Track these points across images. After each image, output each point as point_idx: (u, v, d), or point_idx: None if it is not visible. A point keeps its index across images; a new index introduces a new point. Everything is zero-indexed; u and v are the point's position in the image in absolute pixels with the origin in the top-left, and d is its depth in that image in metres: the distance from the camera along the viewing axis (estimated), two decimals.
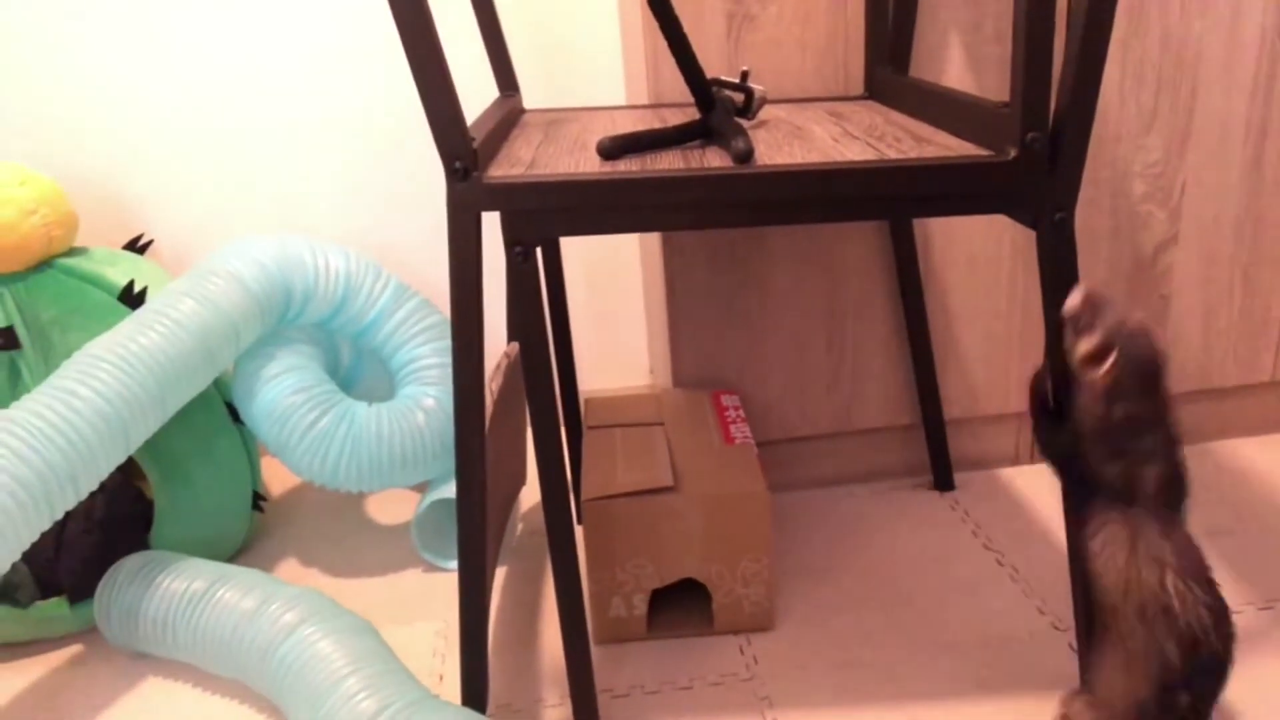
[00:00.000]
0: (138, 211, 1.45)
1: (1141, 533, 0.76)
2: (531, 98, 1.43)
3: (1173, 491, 0.78)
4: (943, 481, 1.37)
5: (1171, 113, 1.27)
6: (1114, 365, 0.76)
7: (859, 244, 1.27)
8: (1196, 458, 1.42)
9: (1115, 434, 0.77)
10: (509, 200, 0.75)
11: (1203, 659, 0.74)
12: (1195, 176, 1.30)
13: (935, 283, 1.31)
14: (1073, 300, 0.79)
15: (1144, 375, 0.77)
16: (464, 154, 0.74)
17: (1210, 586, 0.76)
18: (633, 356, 1.63)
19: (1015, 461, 1.44)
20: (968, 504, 1.34)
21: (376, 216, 1.49)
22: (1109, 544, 0.78)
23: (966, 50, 1.20)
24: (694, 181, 0.75)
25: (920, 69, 1.19)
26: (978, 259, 1.31)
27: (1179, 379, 1.40)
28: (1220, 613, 0.76)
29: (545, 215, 0.76)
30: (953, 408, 1.37)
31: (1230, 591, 1.11)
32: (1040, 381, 0.85)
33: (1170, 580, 0.75)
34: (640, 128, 0.97)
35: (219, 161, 1.45)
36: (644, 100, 1.20)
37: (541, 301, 0.79)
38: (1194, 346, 1.39)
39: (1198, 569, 0.76)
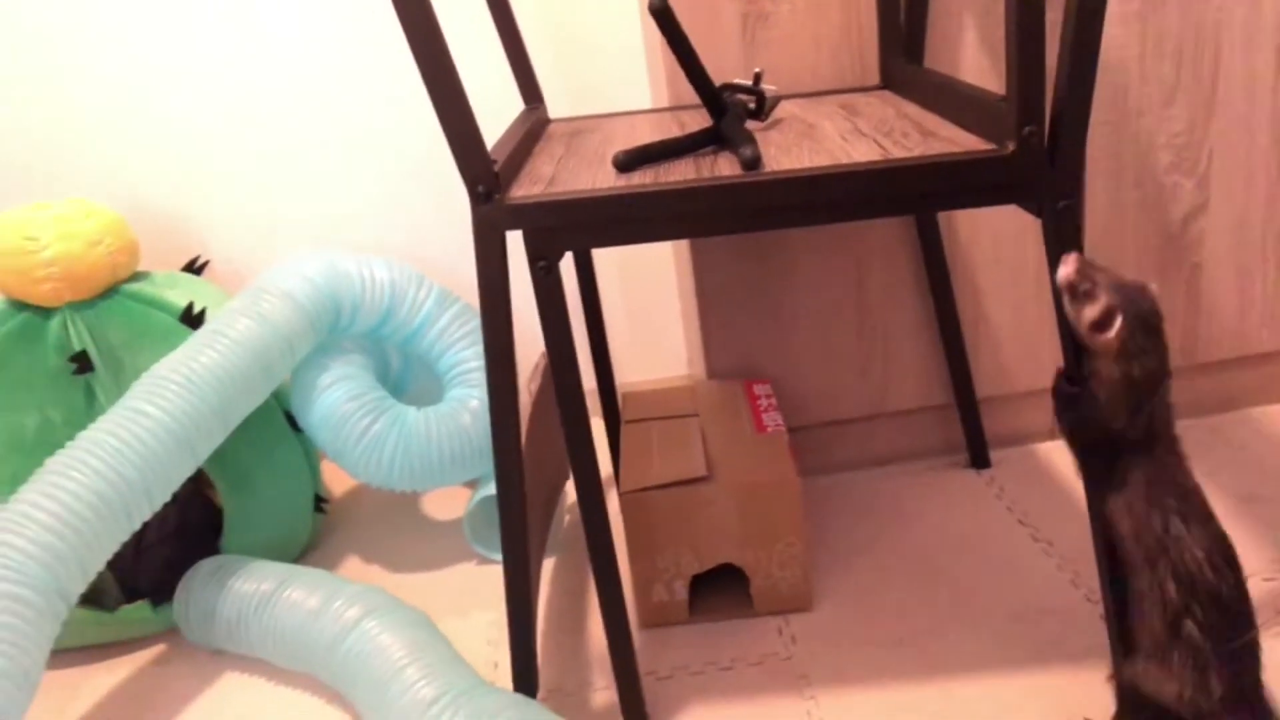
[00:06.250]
0: (194, 234, 1.53)
1: (1155, 481, 0.81)
2: (559, 103, 1.48)
3: (1171, 423, 0.83)
4: (978, 459, 1.39)
5: (1194, 82, 1.26)
6: (1123, 326, 0.79)
7: (883, 229, 1.30)
8: (1232, 425, 1.42)
9: (1137, 390, 0.80)
10: (529, 219, 0.80)
11: (1200, 594, 0.78)
12: (1222, 143, 1.30)
13: (962, 262, 1.33)
14: (1066, 271, 0.81)
15: (1149, 329, 0.80)
16: (485, 177, 0.79)
17: (1208, 526, 0.80)
18: (671, 348, 1.67)
19: (1052, 436, 1.45)
20: (1003, 481, 1.36)
21: (418, 227, 1.55)
22: (1129, 495, 0.82)
23: (980, 34, 1.21)
24: (703, 192, 0.79)
25: (935, 54, 1.21)
26: (1003, 236, 1.32)
27: (1214, 347, 1.40)
28: (1219, 551, 0.79)
29: (564, 231, 0.81)
30: (986, 385, 1.39)
31: (1263, 557, 1.12)
32: (1061, 379, 0.88)
33: (1173, 524, 0.79)
34: (659, 134, 1.01)
35: (267, 184, 1.52)
36: (667, 101, 1.24)
37: (565, 312, 0.83)
38: (1228, 314, 1.38)
39: (1199, 512, 0.80)
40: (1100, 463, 0.85)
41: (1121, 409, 0.81)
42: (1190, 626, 0.79)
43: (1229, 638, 0.79)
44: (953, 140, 0.85)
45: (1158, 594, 0.80)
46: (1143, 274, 1.34)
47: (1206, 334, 1.40)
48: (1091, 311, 0.80)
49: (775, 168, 0.82)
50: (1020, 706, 0.96)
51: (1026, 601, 1.11)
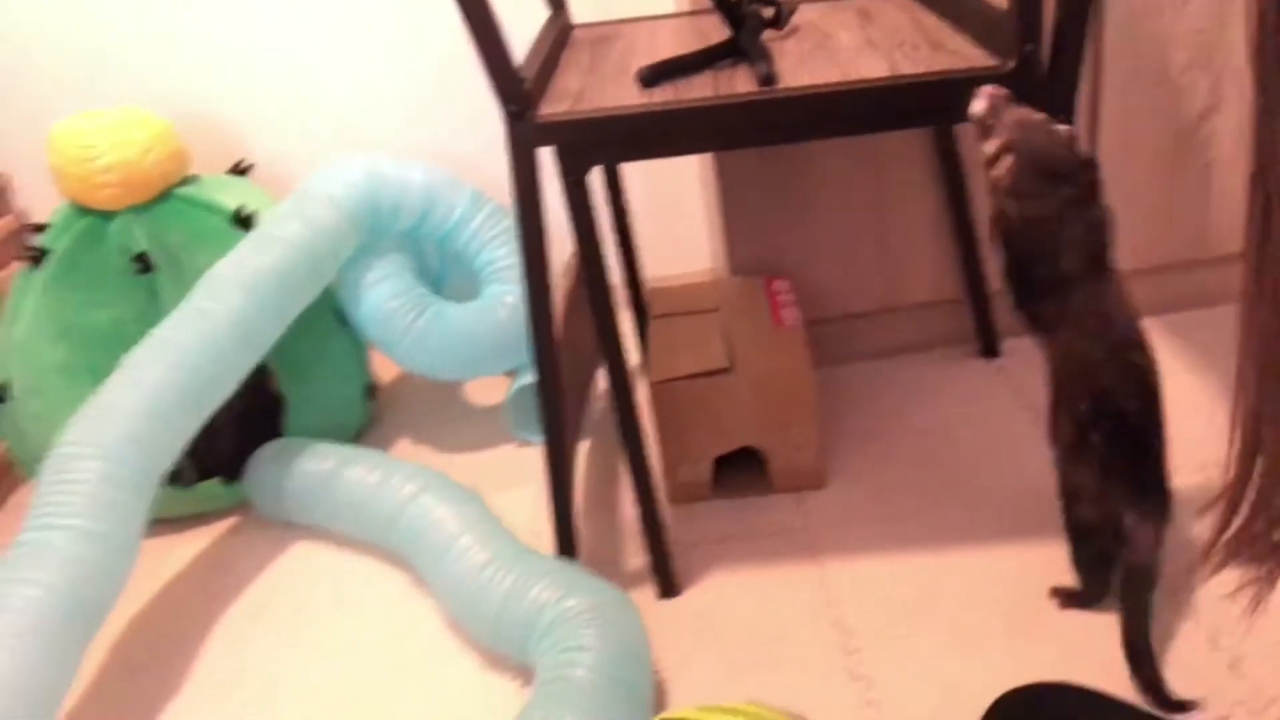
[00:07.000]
0: (237, 138, 1.60)
1: (1082, 315, 0.87)
2: (583, 6, 1.49)
3: (1101, 263, 0.87)
4: (988, 349, 1.47)
5: None
6: (1011, 165, 0.81)
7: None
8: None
9: (1033, 230, 0.84)
10: (560, 136, 0.86)
11: (1108, 409, 0.87)
12: (1241, 41, 1.30)
13: (976, 157, 1.36)
14: (976, 105, 0.82)
15: (1045, 173, 0.82)
16: (517, 97, 0.85)
17: (1130, 355, 0.87)
18: (695, 243, 1.73)
19: None
20: (1011, 369, 1.44)
21: (452, 130, 1.59)
22: (1060, 331, 0.88)
23: None
24: (721, 110, 0.84)
25: None
26: None
27: (1223, 242, 1.44)
28: (1134, 377, 0.87)
29: (593, 148, 0.87)
30: (998, 278, 1.44)
31: None
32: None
33: (1095, 351, 0.86)
34: (679, 43, 1.06)
35: (308, 88, 1.57)
36: (689, 4, 1.27)
37: (594, 221, 0.90)
38: (1238, 209, 1.41)
39: (1125, 342, 0.87)
40: (1030, 310, 0.91)
41: (1022, 248, 0.86)
42: (1096, 438, 0.88)
43: (1131, 451, 0.89)
44: (959, 54, 0.90)
45: (1072, 407, 0.89)
46: (1155, 170, 1.38)
47: (1216, 228, 1.44)
48: (989, 147, 0.83)
49: (789, 83, 0.87)
50: (1012, 576, 1.06)
51: (1026, 483, 1.19)
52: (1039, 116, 0.82)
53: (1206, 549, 0.39)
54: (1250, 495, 0.36)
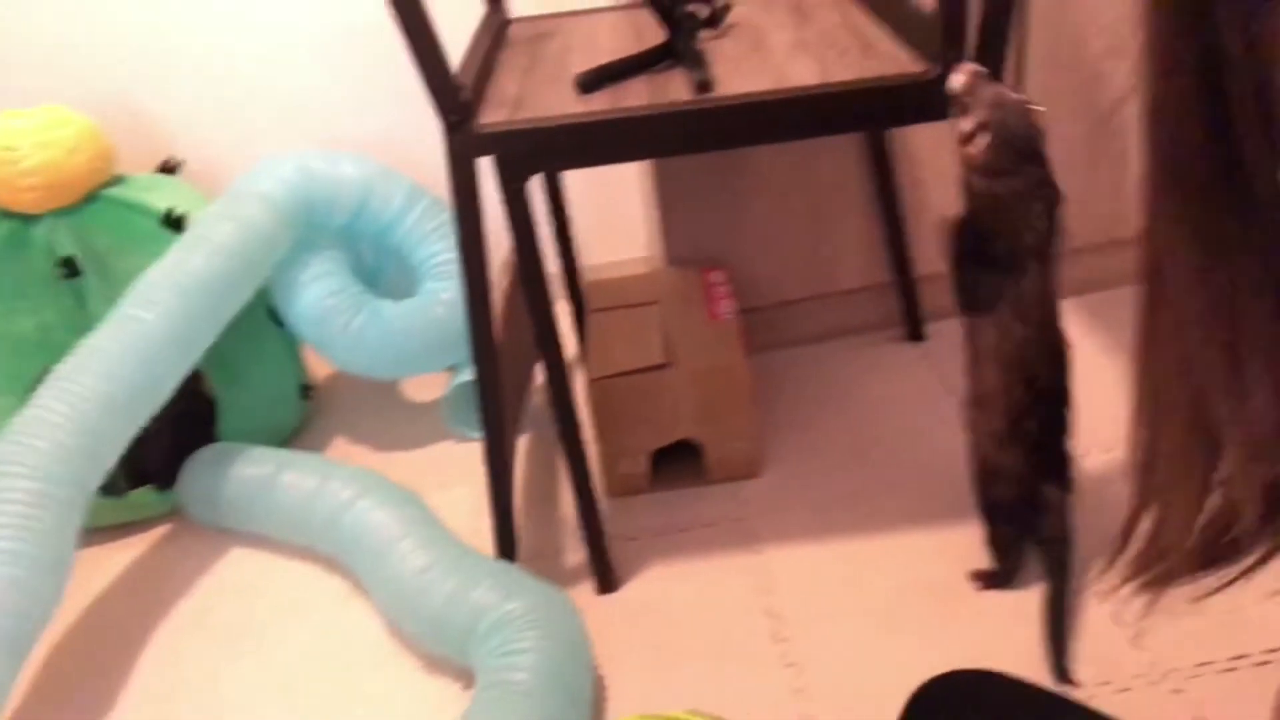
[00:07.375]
0: (164, 135, 1.55)
1: (1023, 299, 0.88)
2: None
3: (1051, 243, 0.88)
4: (914, 333, 1.51)
5: None
6: (987, 144, 0.82)
7: None
8: None
9: (1001, 209, 0.85)
10: (500, 146, 0.86)
11: (1044, 399, 0.91)
12: None
13: (905, 148, 1.40)
14: (955, 80, 0.83)
15: (1019, 152, 0.83)
16: (457, 108, 0.85)
17: (1059, 342, 0.91)
18: (632, 230, 1.73)
19: None
20: (937, 352, 1.48)
21: (388, 120, 1.56)
22: (998, 314, 0.90)
23: None
24: (657, 120, 0.85)
25: None
26: (943, 124, 1.39)
27: (1138, 224, 1.50)
28: (1060, 360, 0.91)
29: (531, 158, 0.87)
30: (927, 264, 1.48)
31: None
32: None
33: (1032, 337, 0.89)
34: (616, 40, 1.06)
35: (236, 80, 1.53)
36: None
37: (532, 226, 0.91)
38: None
39: (1054, 327, 0.90)
40: (971, 287, 0.92)
41: (986, 224, 0.87)
42: (1030, 424, 0.92)
43: (1054, 431, 0.93)
44: (888, 57, 0.92)
45: (1007, 394, 0.91)
46: (1072, 153, 1.43)
47: (1131, 211, 1.49)
48: (965, 124, 0.83)
49: (724, 88, 0.88)
50: (939, 554, 1.11)
51: (953, 463, 1.22)
52: (1015, 96, 0.82)
53: (1105, 566, 0.41)
54: (1143, 529, 0.38)
